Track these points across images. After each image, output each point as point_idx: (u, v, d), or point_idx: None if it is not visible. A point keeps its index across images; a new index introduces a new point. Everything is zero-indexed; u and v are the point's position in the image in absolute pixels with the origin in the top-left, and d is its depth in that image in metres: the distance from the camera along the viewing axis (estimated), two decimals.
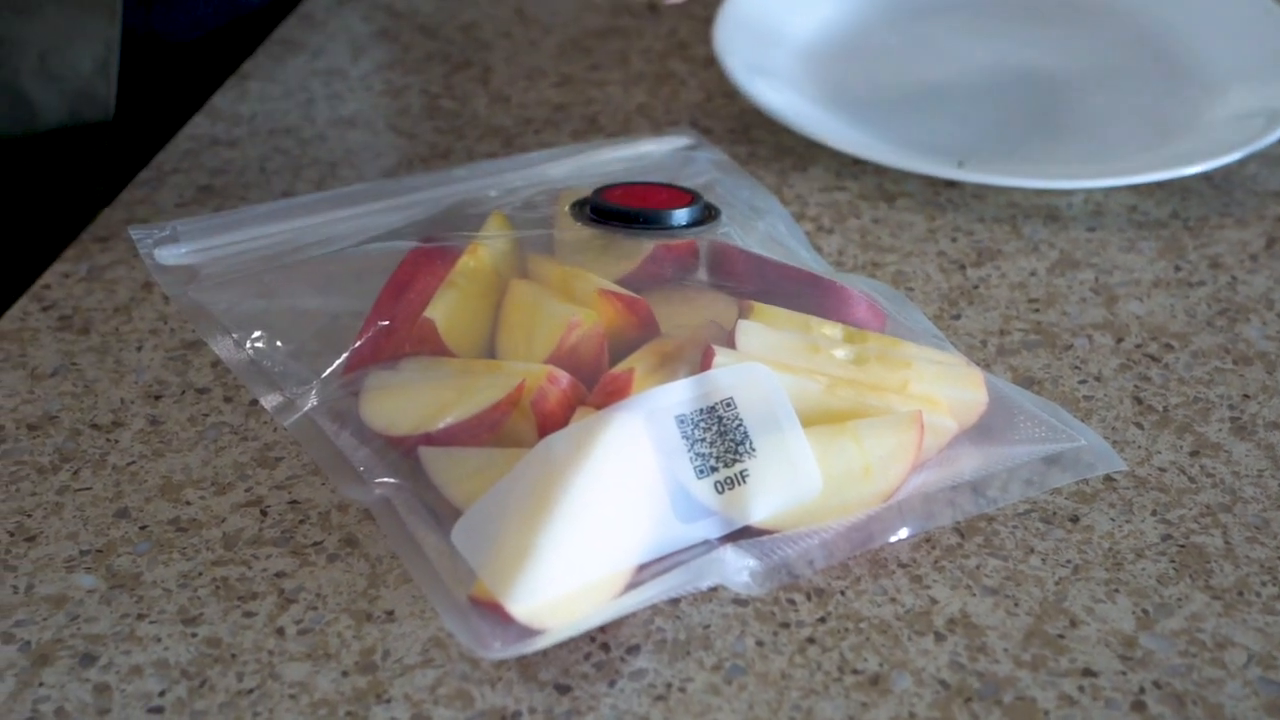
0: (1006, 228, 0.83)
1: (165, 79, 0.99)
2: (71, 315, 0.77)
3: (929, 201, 0.85)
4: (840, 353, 0.66)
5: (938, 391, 0.67)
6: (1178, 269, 0.80)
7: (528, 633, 0.57)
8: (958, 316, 0.77)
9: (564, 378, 0.64)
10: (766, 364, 0.64)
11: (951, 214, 0.84)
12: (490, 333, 0.71)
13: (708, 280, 0.73)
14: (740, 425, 0.63)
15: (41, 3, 0.91)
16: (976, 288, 0.79)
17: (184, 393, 0.73)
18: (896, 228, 0.83)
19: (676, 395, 0.63)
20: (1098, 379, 0.73)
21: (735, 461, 0.62)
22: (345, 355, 0.69)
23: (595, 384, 0.66)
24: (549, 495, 0.59)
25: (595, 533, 0.59)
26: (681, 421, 0.62)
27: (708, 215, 0.73)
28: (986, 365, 0.73)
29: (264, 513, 0.66)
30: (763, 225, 0.78)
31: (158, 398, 0.72)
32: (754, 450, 0.62)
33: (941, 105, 0.93)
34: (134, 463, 0.69)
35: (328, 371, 0.69)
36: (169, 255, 0.74)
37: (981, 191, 0.85)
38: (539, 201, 0.79)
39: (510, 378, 0.64)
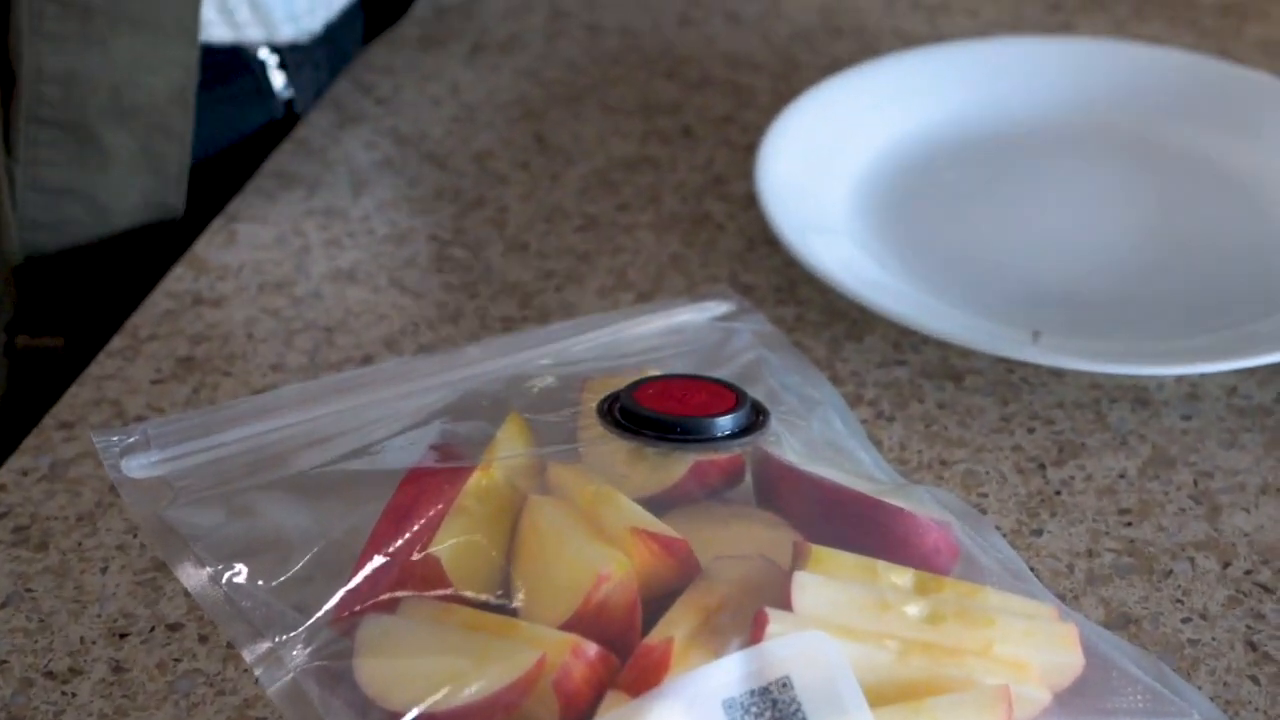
0: (1090, 415, 0.74)
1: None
2: (29, 525, 0.69)
3: (1001, 380, 0.76)
4: (913, 609, 0.58)
5: (1026, 654, 0.58)
6: None
7: None
8: (1039, 532, 0.68)
9: (591, 650, 0.56)
10: (829, 629, 0.56)
11: (1027, 396, 0.75)
12: (505, 563, 0.62)
13: (755, 499, 0.65)
14: (798, 710, 0.54)
15: (114, 31, 0.84)
16: (1059, 493, 0.70)
17: (153, 630, 0.64)
18: (965, 414, 0.74)
19: (723, 676, 0.55)
20: (1203, 617, 0.64)
21: None
22: (338, 597, 0.61)
23: (625, 643, 0.58)
24: None
25: None
26: (730, 707, 0.54)
27: (755, 420, 0.65)
28: (1075, 598, 0.65)
29: None
30: (817, 424, 0.70)
31: (123, 636, 0.64)
32: None
33: (1014, 259, 0.85)
34: None
35: (316, 617, 0.60)
36: (137, 465, 0.66)
37: (1061, 367, 0.76)
38: (561, 395, 0.70)
39: (529, 651, 0.56)
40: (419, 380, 0.72)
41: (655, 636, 0.56)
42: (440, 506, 0.63)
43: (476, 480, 0.63)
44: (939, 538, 0.62)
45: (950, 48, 0.98)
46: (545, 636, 0.57)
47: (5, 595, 0.66)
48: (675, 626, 0.57)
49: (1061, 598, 0.65)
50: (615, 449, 0.65)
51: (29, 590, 0.66)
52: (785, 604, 0.57)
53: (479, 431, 0.67)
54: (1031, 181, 0.91)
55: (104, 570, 0.67)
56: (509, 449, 0.65)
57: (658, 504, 0.63)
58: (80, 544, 0.68)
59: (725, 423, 0.64)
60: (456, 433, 0.68)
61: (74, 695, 0.62)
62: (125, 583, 0.67)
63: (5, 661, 0.63)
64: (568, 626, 0.57)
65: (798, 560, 0.59)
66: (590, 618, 0.58)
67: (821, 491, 0.63)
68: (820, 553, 0.59)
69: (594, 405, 0.66)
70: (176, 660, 0.63)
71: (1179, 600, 0.65)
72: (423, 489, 0.63)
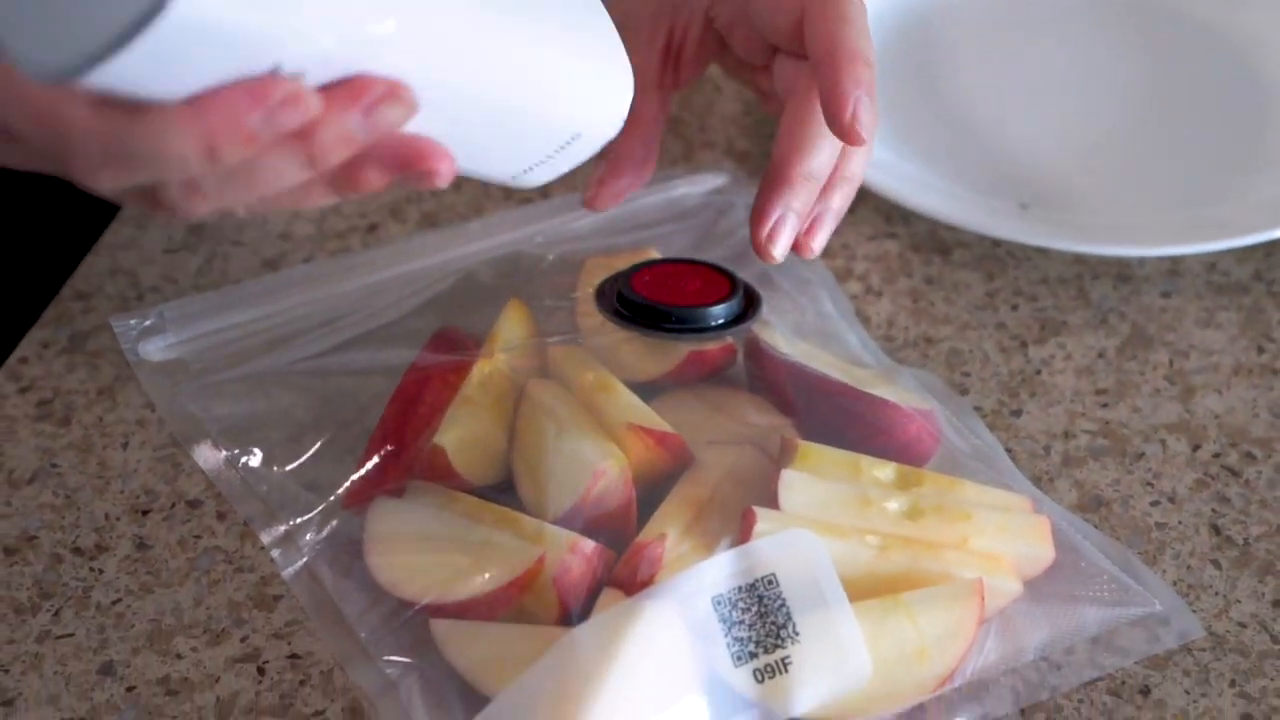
0: (1073, 291, 0.77)
1: None
2: (52, 399, 0.72)
3: (987, 255, 0.79)
4: (894, 504, 0.61)
5: (1000, 547, 0.62)
6: (1261, 350, 0.74)
7: None
8: (1018, 413, 0.71)
9: (588, 547, 0.60)
10: (813, 526, 0.60)
11: (1012, 271, 0.78)
12: (507, 450, 0.66)
13: (747, 384, 0.68)
14: (783, 605, 0.58)
15: None
16: (1039, 373, 0.73)
17: (173, 506, 0.68)
18: (952, 290, 0.77)
19: (713, 575, 0.58)
20: (1171, 500, 0.68)
21: (776, 647, 0.57)
22: (349, 482, 0.65)
23: (622, 535, 0.62)
24: (572, 710, 0.55)
25: None
26: (718, 603, 0.58)
27: (747, 308, 0.68)
28: (1050, 480, 0.68)
29: (261, 670, 0.62)
30: (808, 304, 0.73)
31: (145, 513, 0.68)
32: (797, 634, 0.58)
33: (1004, 127, 0.86)
34: (119, 600, 0.64)
35: (329, 501, 0.64)
36: (155, 348, 0.70)
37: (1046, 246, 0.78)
38: (561, 276, 0.73)
39: (530, 548, 0.60)
40: (422, 259, 0.75)
41: (649, 533, 0.60)
42: (445, 396, 0.66)
43: (479, 369, 0.66)
44: (920, 427, 0.65)
45: None
46: (545, 532, 0.60)
47: (32, 470, 0.70)
48: (668, 522, 0.61)
49: (1037, 480, 0.68)
50: (613, 335, 0.68)
51: (54, 465, 0.70)
52: (772, 498, 0.60)
53: (480, 317, 0.70)
54: (1025, 47, 0.92)
55: (125, 446, 0.71)
56: (510, 336, 0.68)
57: (653, 388, 0.66)
58: (101, 419, 0.72)
59: (718, 312, 0.67)
60: (460, 319, 0.71)
61: (101, 571, 0.66)
62: (145, 459, 0.70)
63: (35, 537, 0.67)
64: (566, 519, 0.61)
65: (785, 456, 0.62)
66: (588, 512, 0.61)
67: (809, 381, 0.66)
68: (807, 449, 0.62)
69: (592, 290, 0.69)
70: (196, 537, 0.67)
71: (1149, 483, 0.69)
72: (428, 377, 0.66)
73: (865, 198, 0.82)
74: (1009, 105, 0.88)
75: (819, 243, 0.66)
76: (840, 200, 0.66)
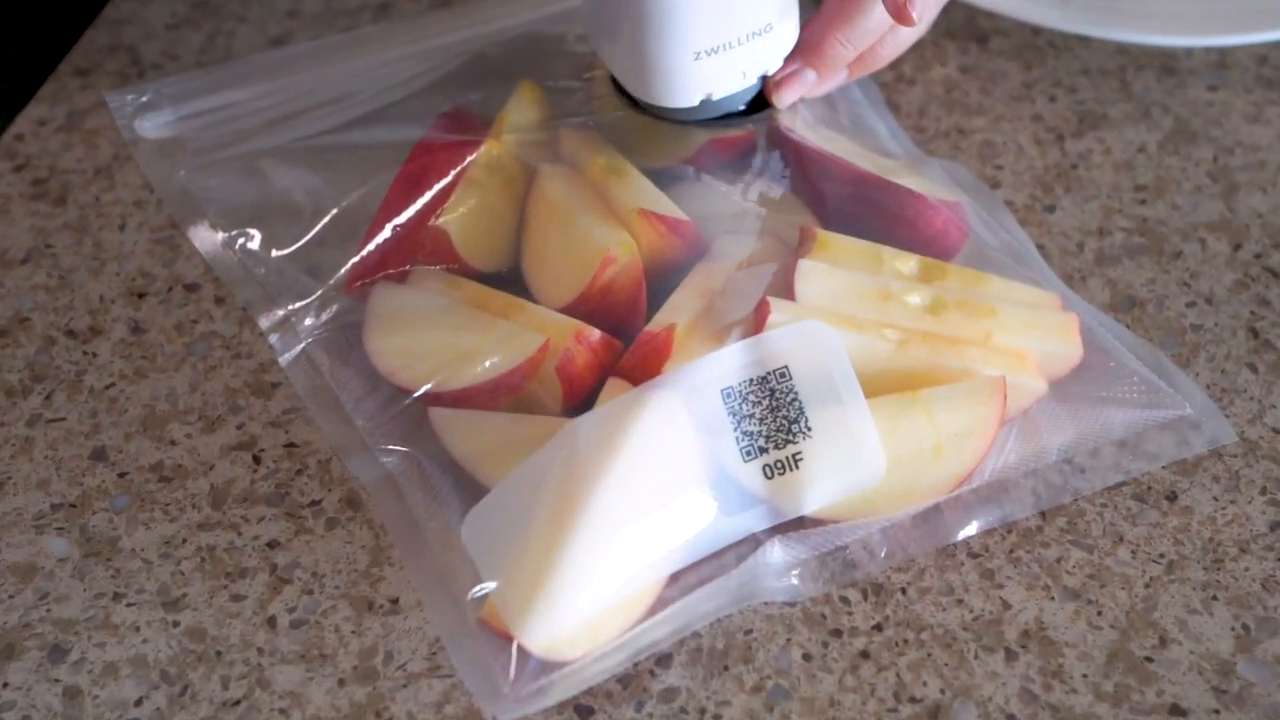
0: (1114, 83, 0.74)
1: None
2: (47, 178, 0.70)
3: (1026, 44, 0.75)
4: (915, 298, 0.59)
5: (1025, 344, 0.59)
6: None
7: (544, 668, 0.52)
8: (1052, 209, 0.68)
9: (594, 335, 0.57)
10: (829, 318, 0.57)
11: (1051, 61, 0.75)
12: (514, 237, 0.63)
13: (767, 173, 0.65)
14: (795, 400, 0.56)
15: None
16: (1075, 167, 0.70)
17: (170, 290, 0.66)
18: (988, 79, 0.74)
19: (722, 366, 0.56)
20: (1209, 301, 0.65)
21: (788, 443, 0.55)
22: (349, 265, 0.62)
23: (630, 326, 0.60)
24: (573, 501, 0.53)
25: (625, 543, 0.53)
26: (728, 395, 0.56)
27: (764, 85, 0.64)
28: (1082, 279, 0.66)
29: (256, 459, 0.60)
30: (836, 91, 0.69)
31: (141, 296, 0.66)
32: (809, 429, 0.55)
33: None
34: (113, 385, 0.63)
35: (328, 285, 0.62)
36: (152, 125, 0.67)
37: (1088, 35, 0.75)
38: (577, 56, 0.70)
39: (533, 335, 0.57)
40: (435, 38, 0.71)
41: (658, 323, 0.58)
42: (450, 177, 0.63)
43: (486, 151, 0.64)
44: (947, 219, 0.63)
45: None
46: (549, 320, 0.58)
47: (26, 250, 0.68)
48: (678, 312, 0.58)
49: (1069, 278, 0.66)
50: (630, 120, 0.65)
51: (49, 246, 0.68)
52: (788, 289, 0.58)
53: (491, 98, 0.67)
54: None
55: (122, 228, 0.69)
56: (520, 118, 0.65)
57: (670, 176, 0.64)
58: (98, 199, 0.70)
59: (738, 97, 0.64)
60: (469, 99, 0.68)
61: (94, 355, 0.64)
62: (143, 241, 0.68)
63: (27, 319, 0.65)
64: (573, 308, 0.59)
65: (803, 245, 0.60)
66: (595, 299, 0.59)
67: (831, 169, 0.63)
68: (826, 238, 0.60)
69: (609, 73, 0.66)
70: (194, 322, 0.65)
71: (1185, 283, 0.66)
72: (433, 158, 0.64)
73: None
74: None
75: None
76: (869, 65, 0.63)
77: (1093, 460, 0.59)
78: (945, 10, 0.76)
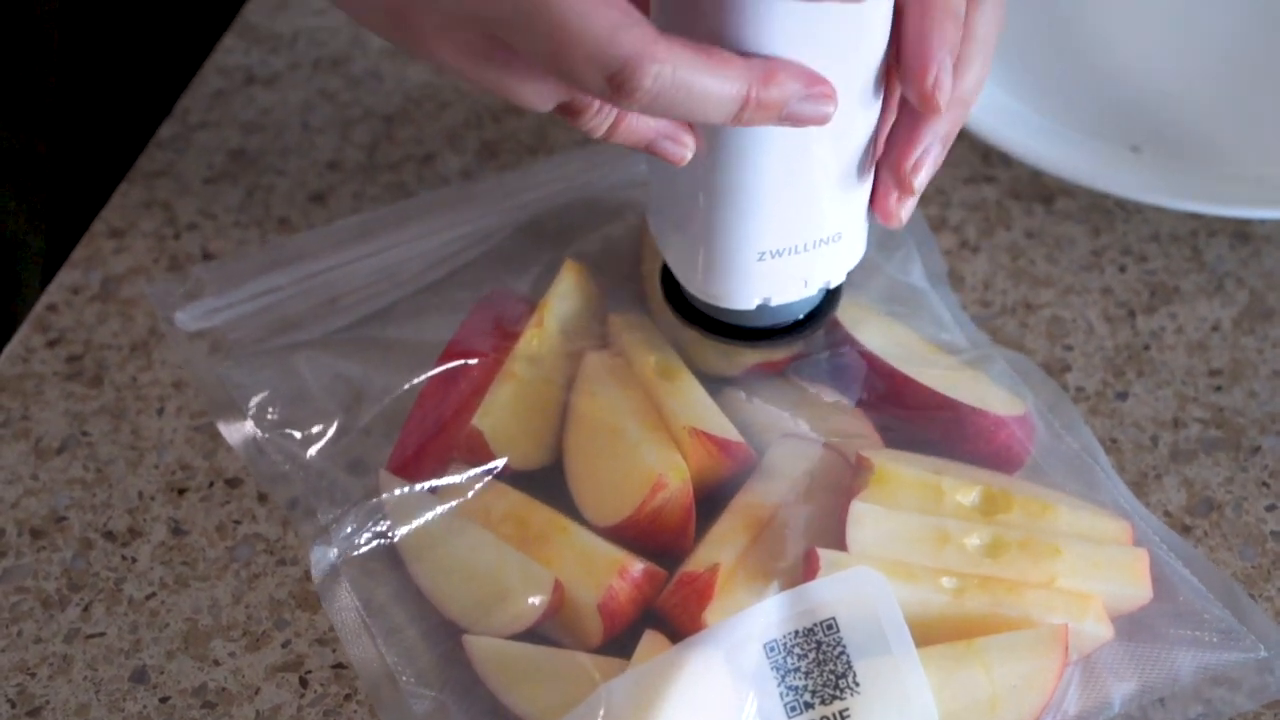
0: (1186, 250, 0.72)
1: None
2: (82, 355, 0.69)
3: (1094, 205, 0.73)
4: (975, 539, 0.57)
5: (1091, 587, 0.58)
6: None
7: None
8: (1124, 396, 0.67)
9: (636, 570, 0.57)
10: (882, 567, 0.56)
11: (1120, 225, 0.73)
12: (557, 428, 0.62)
13: (826, 378, 0.63)
14: (843, 653, 0.54)
15: None
16: (1148, 348, 0.68)
17: (211, 485, 0.65)
18: (1054, 246, 0.72)
19: (767, 618, 0.55)
20: None
21: (834, 698, 0.54)
22: (385, 468, 0.61)
23: (677, 549, 0.59)
24: None
25: None
26: (771, 649, 0.54)
27: (827, 301, 0.62)
28: (1158, 477, 0.64)
29: (304, 682, 0.59)
30: (897, 271, 0.68)
31: (181, 491, 0.64)
32: (857, 684, 0.54)
33: (1114, 61, 0.80)
34: (154, 595, 0.61)
35: (365, 490, 0.62)
36: (191, 317, 0.66)
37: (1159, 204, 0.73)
38: (626, 236, 0.69)
39: (576, 568, 0.56)
40: (479, 207, 0.70)
41: (701, 560, 0.57)
42: (488, 372, 0.62)
43: (527, 341, 0.63)
44: (1010, 434, 0.61)
45: None
46: (593, 550, 0.57)
47: (62, 438, 0.66)
48: (723, 547, 0.57)
49: (1142, 477, 0.64)
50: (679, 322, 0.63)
51: (85, 433, 0.66)
52: (840, 530, 0.56)
53: (536, 277, 0.66)
54: None
55: (160, 412, 0.67)
56: (564, 305, 0.65)
57: (726, 385, 0.62)
58: (135, 379, 0.68)
59: (792, 313, 0.62)
60: (513, 278, 0.67)
61: (134, 560, 0.63)
62: (182, 428, 0.67)
63: (64, 518, 0.64)
64: (619, 530, 0.58)
65: (859, 476, 0.58)
66: (644, 524, 0.58)
67: (893, 382, 0.62)
68: (883, 469, 0.58)
69: (657, 266, 0.64)
70: (236, 523, 0.64)
71: (1264, 483, 0.64)
72: (472, 351, 0.63)
73: (962, 134, 0.76)
74: (1121, 32, 0.82)
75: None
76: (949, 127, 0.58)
77: (1160, 711, 0.57)
78: (1009, 165, 0.74)
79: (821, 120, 0.51)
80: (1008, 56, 0.79)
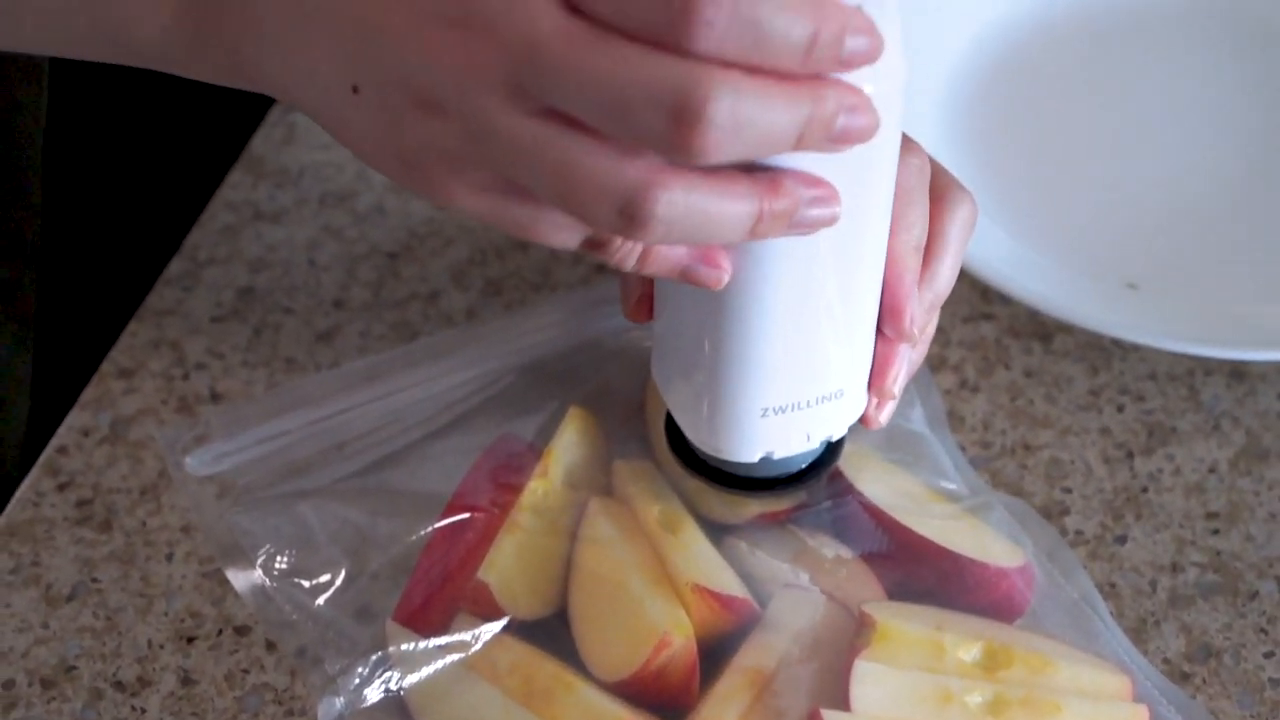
0: (1183, 390, 0.73)
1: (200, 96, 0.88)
2: (92, 499, 0.70)
3: (1091, 343, 0.75)
4: (977, 697, 0.58)
5: None
6: None
7: None
8: (1123, 540, 0.68)
9: None
10: None
11: (1118, 364, 0.74)
12: (563, 576, 0.63)
13: (828, 527, 0.64)
14: None
15: None
16: (1146, 490, 0.69)
17: (220, 633, 0.66)
18: (1053, 385, 0.73)
19: None
20: None
21: None
22: (391, 618, 0.62)
23: (681, 704, 0.60)
24: None
25: None
26: None
27: (829, 452, 0.63)
28: (1157, 623, 0.65)
29: None
30: (898, 416, 0.69)
31: (190, 640, 0.65)
32: None
33: (1109, 198, 0.81)
34: None
35: (372, 642, 0.62)
36: (200, 462, 0.67)
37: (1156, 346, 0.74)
38: (630, 381, 0.69)
39: None
40: (485, 349, 0.71)
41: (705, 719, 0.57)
42: (494, 522, 0.63)
43: (532, 491, 0.64)
44: (1011, 585, 0.62)
45: None
46: (597, 711, 0.58)
47: (72, 585, 0.67)
48: (727, 704, 0.58)
49: (1141, 623, 0.65)
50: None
51: (95, 581, 0.67)
52: (844, 688, 0.57)
53: (543, 423, 0.67)
54: (1133, 103, 0.86)
55: (169, 558, 0.68)
56: (569, 454, 0.65)
57: (726, 527, 0.63)
58: (145, 523, 0.69)
59: (793, 465, 0.63)
60: (519, 424, 0.67)
61: (143, 711, 0.64)
62: (191, 574, 0.67)
63: (74, 668, 0.65)
64: (624, 686, 0.59)
65: (861, 634, 0.59)
66: (648, 681, 0.59)
67: (894, 533, 0.63)
68: (885, 626, 0.59)
69: (662, 411, 0.65)
70: (245, 671, 0.64)
71: (1263, 629, 0.65)
72: (477, 500, 0.64)
73: (961, 273, 0.77)
74: (1116, 169, 0.83)
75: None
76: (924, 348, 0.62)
77: None
78: (1007, 302, 0.76)
79: (830, 221, 0.51)
80: (1004, 195, 0.80)
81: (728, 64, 0.46)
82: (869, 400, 0.60)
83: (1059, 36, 0.89)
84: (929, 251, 0.60)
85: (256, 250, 0.80)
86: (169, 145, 0.91)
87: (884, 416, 0.61)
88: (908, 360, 0.60)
